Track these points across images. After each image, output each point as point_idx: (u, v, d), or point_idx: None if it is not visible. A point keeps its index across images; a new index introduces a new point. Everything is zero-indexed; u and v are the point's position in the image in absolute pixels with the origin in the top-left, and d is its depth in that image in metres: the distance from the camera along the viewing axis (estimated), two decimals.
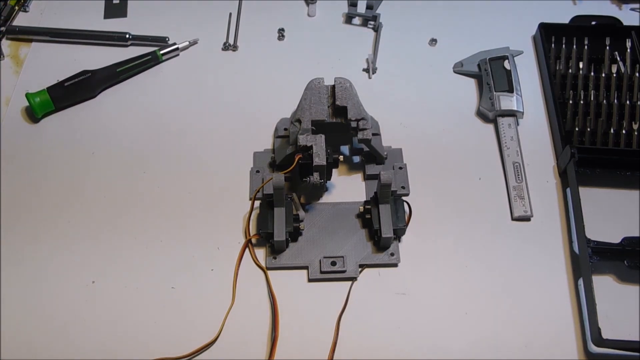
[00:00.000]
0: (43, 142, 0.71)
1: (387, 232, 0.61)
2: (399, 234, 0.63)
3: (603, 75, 0.75)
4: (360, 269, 0.62)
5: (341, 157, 0.64)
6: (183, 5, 0.83)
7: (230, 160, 0.70)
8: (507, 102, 0.72)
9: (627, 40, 0.77)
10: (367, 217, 0.64)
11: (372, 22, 0.82)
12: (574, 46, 0.77)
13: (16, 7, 0.82)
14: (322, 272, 0.62)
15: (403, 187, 0.67)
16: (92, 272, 0.62)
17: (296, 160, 0.61)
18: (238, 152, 0.70)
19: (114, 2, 0.83)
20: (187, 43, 0.79)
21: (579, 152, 0.66)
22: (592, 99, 0.73)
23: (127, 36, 0.79)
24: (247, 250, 0.63)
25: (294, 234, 0.63)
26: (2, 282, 0.61)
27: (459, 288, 0.61)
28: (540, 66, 0.77)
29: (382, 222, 0.62)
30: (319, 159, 0.60)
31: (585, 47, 0.77)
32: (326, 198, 0.68)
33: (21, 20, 0.82)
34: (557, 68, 0.76)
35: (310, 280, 0.62)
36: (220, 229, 0.65)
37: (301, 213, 0.64)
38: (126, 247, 0.63)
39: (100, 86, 0.75)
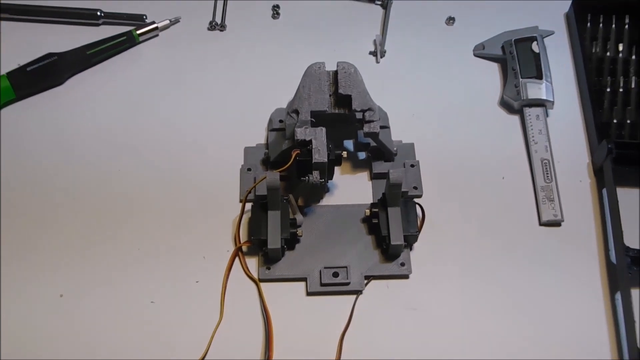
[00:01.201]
0: (2, 136, 0.72)
1: (396, 238, 0.63)
2: (410, 241, 0.65)
3: None
4: (366, 281, 0.63)
5: (344, 153, 0.65)
6: None
7: (218, 156, 0.71)
8: (535, 90, 0.73)
9: None
10: (374, 222, 0.65)
11: None
12: (613, 25, 0.78)
13: None
14: (322, 285, 0.63)
15: (415, 188, 0.68)
16: (60, 284, 0.63)
17: (293, 156, 0.62)
18: (227, 147, 0.72)
19: None
20: (167, 22, 0.80)
21: (616, 147, 0.67)
22: (632, 86, 0.74)
23: (99, 14, 0.80)
24: (237, 259, 0.65)
25: (291, 241, 0.64)
26: None
27: (479, 303, 0.63)
28: (574, 49, 0.79)
29: (391, 228, 0.63)
30: (319, 155, 0.61)
31: (626, 26, 0.78)
32: (327, 200, 0.69)
33: None
34: (594, 51, 0.77)
35: (309, 293, 0.63)
36: (206, 235, 0.66)
37: (299, 217, 0.65)
38: (98, 256, 0.65)
39: (69, 71, 0.76)
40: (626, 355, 0.59)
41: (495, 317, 0.62)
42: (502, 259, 0.65)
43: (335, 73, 0.66)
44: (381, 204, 0.65)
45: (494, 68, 0.78)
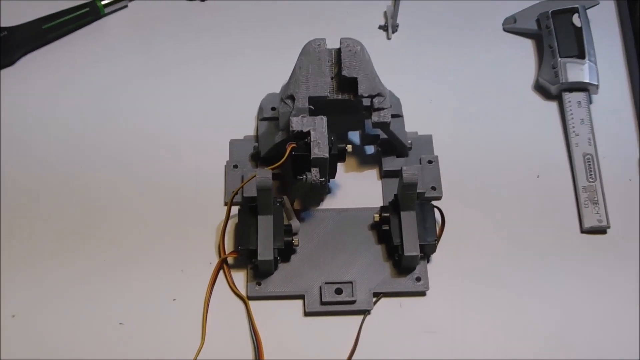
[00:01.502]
0: None
1: (411, 249, 0.63)
2: (427, 251, 0.65)
3: None
4: (375, 299, 0.64)
5: (349, 147, 0.65)
6: None
7: (199, 151, 0.72)
8: (577, 71, 0.73)
9: None
10: (384, 229, 0.65)
11: None
12: None
13: None
14: (323, 303, 0.63)
15: (433, 188, 0.69)
16: (12, 303, 0.64)
17: (288, 151, 0.62)
18: (209, 140, 0.72)
19: None
20: None
21: None
22: None
23: None
24: (221, 273, 0.65)
25: (285, 252, 0.65)
26: None
27: (509, 325, 0.63)
28: (623, 22, 0.80)
29: (405, 236, 0.63)
30: (319, 149, 0.62)
31: None
32: (329, 203, 0.69)
33: None
34: None
35: (307, 313, 0.64)
36: (184, 245, 0.67)
37: (295, 223, 0.66)
38: (56, 269, 0.65)
39: (21, 50, 0.77)
40: None
41: (529, 341, 0.63)
42: (536, 273, 0.66)
43: (339, 51, 0.66)
44: (393, 207, 0.65)
45: (528, 45, 0.79)
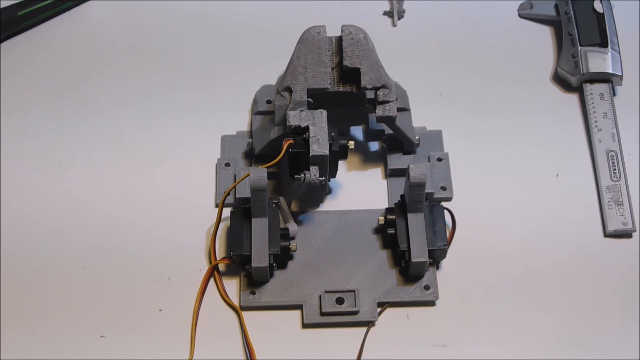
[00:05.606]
0: None
1: (419, 254, 0.63)
2: (437, 257, 0.65)
3: None
4: (379, 309, 0.64)
5: (351, 144, 0.65)
6: None
7: (188, 148, 0.71)
8: (599, 61, 0.73)
9: None
10: (390, 233, 0.65)
11: None
12: None
13: None
14: (322, 314, 0.63)
15: (443, 189, 0.69)
16: None
17: (285, 147, 0.62)
18: (199, 135, 0.72)
19: None
20: None
21: None
22: None
23: None
24: (211, 281, 0.65)
25: (282, 258, 0.65)
26: None
27: (525, 338, 0.63)
28: None
29: (412, 240, 0.63)
30: (319, 146, 0.61)
31: None
32: (329, 204, 0.69)
33: None
34: None
35: (305, 325, 0.63)
36: (172, 251, 0.66)
37: (292, 226, 0.66)
38: (33, 279, 0.65)
39: None
40: None
41: (548, 355, 0.62)
42: (556, 281, 0.65)
43: (340, 40, 0.66)
44: (399, 209, 0.65)
45: (546, 33, 0.79)
